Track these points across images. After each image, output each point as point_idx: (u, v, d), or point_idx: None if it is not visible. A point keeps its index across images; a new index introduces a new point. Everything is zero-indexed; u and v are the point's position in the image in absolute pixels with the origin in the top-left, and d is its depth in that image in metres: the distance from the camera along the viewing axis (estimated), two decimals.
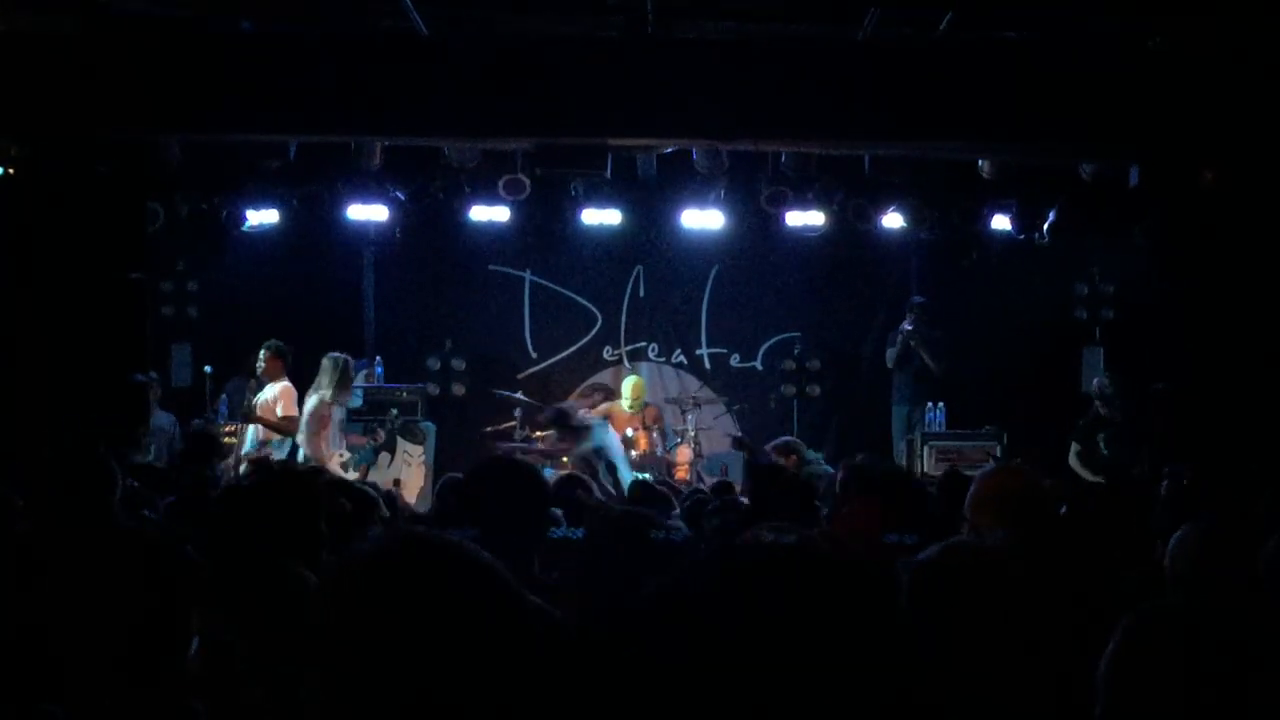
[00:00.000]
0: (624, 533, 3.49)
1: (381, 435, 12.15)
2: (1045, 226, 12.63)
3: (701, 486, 10.87)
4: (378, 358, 13.54)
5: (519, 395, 13.17)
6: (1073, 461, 11.86)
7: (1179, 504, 5.32)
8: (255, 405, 11.65)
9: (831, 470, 9.24)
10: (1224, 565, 3.47)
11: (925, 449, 12.51)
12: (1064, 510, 4.41)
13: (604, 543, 3.51)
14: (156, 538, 2.31)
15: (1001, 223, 12.86)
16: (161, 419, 12.09)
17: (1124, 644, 2.10)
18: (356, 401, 12.62)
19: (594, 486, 8.68)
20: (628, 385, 13.40)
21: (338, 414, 11.83)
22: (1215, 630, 2.08)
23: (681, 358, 14.92)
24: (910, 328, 13.47)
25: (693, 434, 13.20)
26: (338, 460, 11.40)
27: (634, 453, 12.60)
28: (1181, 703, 2.02)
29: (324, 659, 1.65)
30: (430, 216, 13.01)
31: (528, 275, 14.80)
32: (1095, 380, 12.33)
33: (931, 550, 2.97)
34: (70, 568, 2.23)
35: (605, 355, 14.77)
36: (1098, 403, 12.18)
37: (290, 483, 4.37)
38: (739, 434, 12.56)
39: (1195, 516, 3.75)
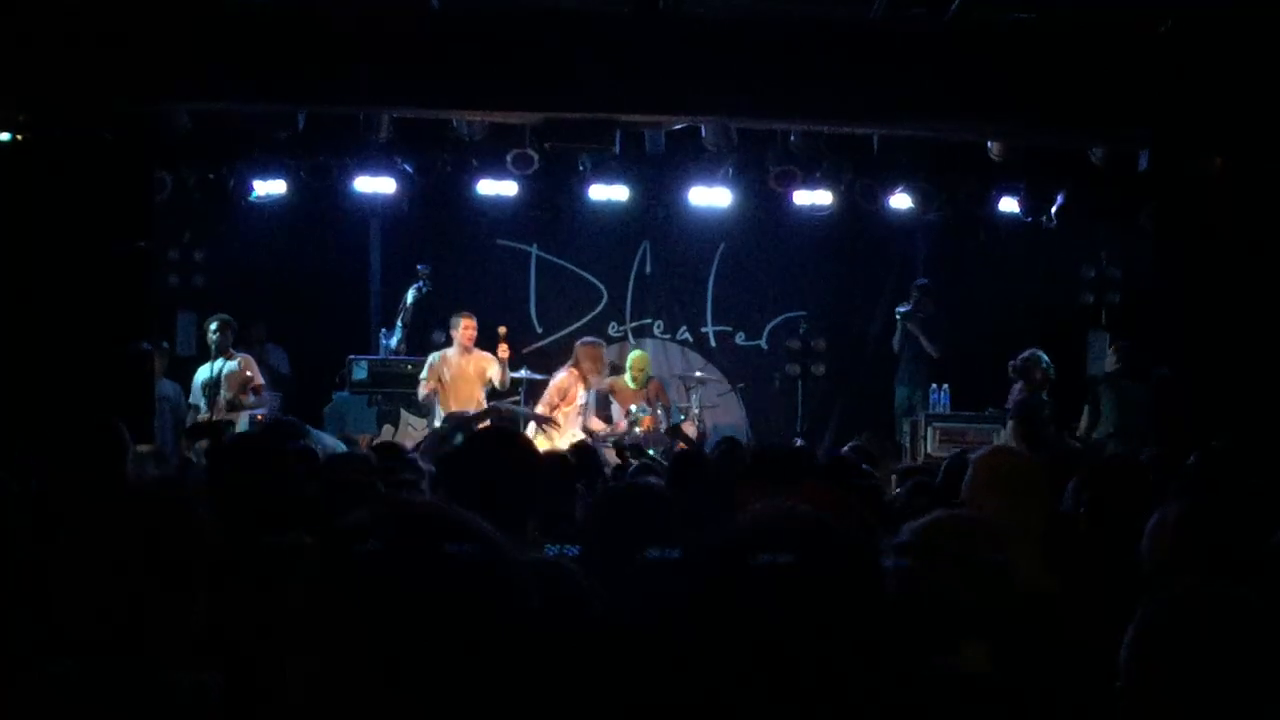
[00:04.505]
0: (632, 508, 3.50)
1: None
2: (1053, 210, 12.61)
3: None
4: (383, 330, 13.54)
5: (522, 372, 13.13)
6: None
7: (1201, 483, 5.31)
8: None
9: None
10: (1208, 547, 3.47)
11: (929, 430, 12.52)
12: (1080, 489, 4.39)
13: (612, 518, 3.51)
14: (168, 499, 2.31)
15: (1009, 205, 12.84)
16: (166, 387, 12.12)
17: (1142, 629, 2.11)
18: (361, 374, 12.64)
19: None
20: (632, 359, 13.29)
21: (581, 396, 12.21)
22: (1235, 614, 2.09)
23: (687, 335, 14.93)
24: (906, 309, 13.47)
25: (697, 411, 13.20)
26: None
27: (639, 430, 12.58)
28: (1201, 687, 2.03)
29: (315, 631, 1.65)
30: (438, 189, 13.01)
31: (534, 250, 14.80)
32: (1031, 354, 12.10)
33: (920, 521, 2.98)
34: (80, 530, 2.24)
35: (610, 331, 14.77)
36: (1034, 382, 11.98)
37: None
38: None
39: (1177, 498, 3.74)
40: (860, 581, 1.71)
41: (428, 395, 12.09)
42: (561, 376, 12.31)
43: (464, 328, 12.13)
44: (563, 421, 11.86)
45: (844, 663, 1.63)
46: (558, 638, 1.98)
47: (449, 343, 12.36)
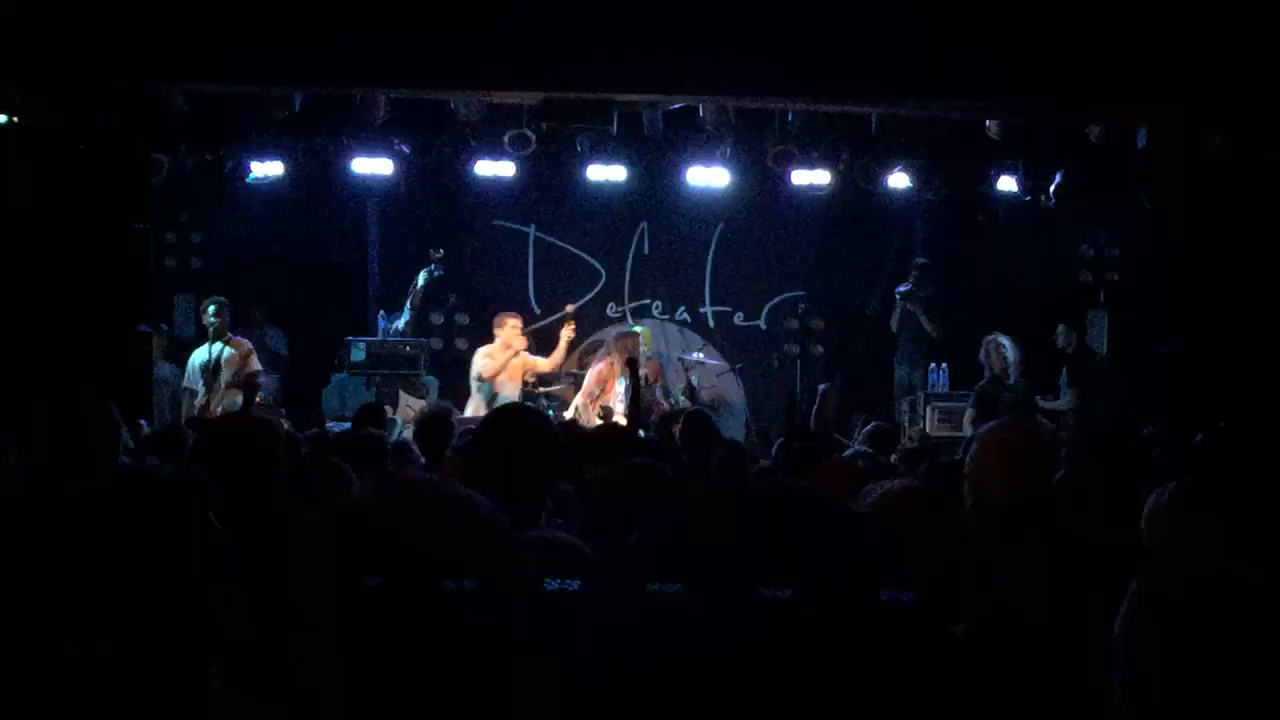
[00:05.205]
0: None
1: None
2: (1051, 188, 12.60)
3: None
4: (381, 311, 13.53)
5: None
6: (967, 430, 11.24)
7: (1200, 463, 5.31)
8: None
9: None
10: (1206, 527, 3.48)
11: (928, 409, 12.52)
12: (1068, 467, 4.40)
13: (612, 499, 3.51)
14: (171, 480, 2.30)
15: (1008, 184, 12.83)
16: (164, 370, 12.13)
17: (1136, 606, 2.10)
18: (360, 355, 12.63)
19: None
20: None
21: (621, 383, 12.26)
22: (1229, 593, 2.09)
23: (685, 315, 14.92)
24: (906, 289, 13.46)
25: (693, 391, 13.18)
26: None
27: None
28: (1197, 665, 2.03)
29: (317, 604, 1.65)
30: (435, 170, 12.99)
31: (532, 231, 14.78)
32: (993, 337, 12.10)
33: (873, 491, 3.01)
34: (74, 513, 2.23)
35: (609, 312, 14.77)
36: (993, 370, 11.96)
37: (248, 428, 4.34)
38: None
39: (1175, 478, 3.74)
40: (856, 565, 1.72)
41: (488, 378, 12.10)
42: (600, 367, 12.34)
43: (510, 327, 12.12)
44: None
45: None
46: (559, 624, 1.98)
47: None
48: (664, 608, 1.82)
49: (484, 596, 1.66)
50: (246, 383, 10.53)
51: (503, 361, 11.98)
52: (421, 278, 12.87)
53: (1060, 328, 12.62)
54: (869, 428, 8.91)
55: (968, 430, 11.14)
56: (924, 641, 2.36)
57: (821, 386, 12.45)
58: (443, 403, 10.08)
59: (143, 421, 8.13)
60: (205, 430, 4.86)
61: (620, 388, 12.31)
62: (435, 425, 7.25)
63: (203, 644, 2.20)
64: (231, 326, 11.76)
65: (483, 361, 12.05)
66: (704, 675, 1.66)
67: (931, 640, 2.61)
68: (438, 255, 12.86)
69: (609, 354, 12.44)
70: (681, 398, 12.98)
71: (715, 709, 1.65)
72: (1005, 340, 11.95)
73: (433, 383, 12.94)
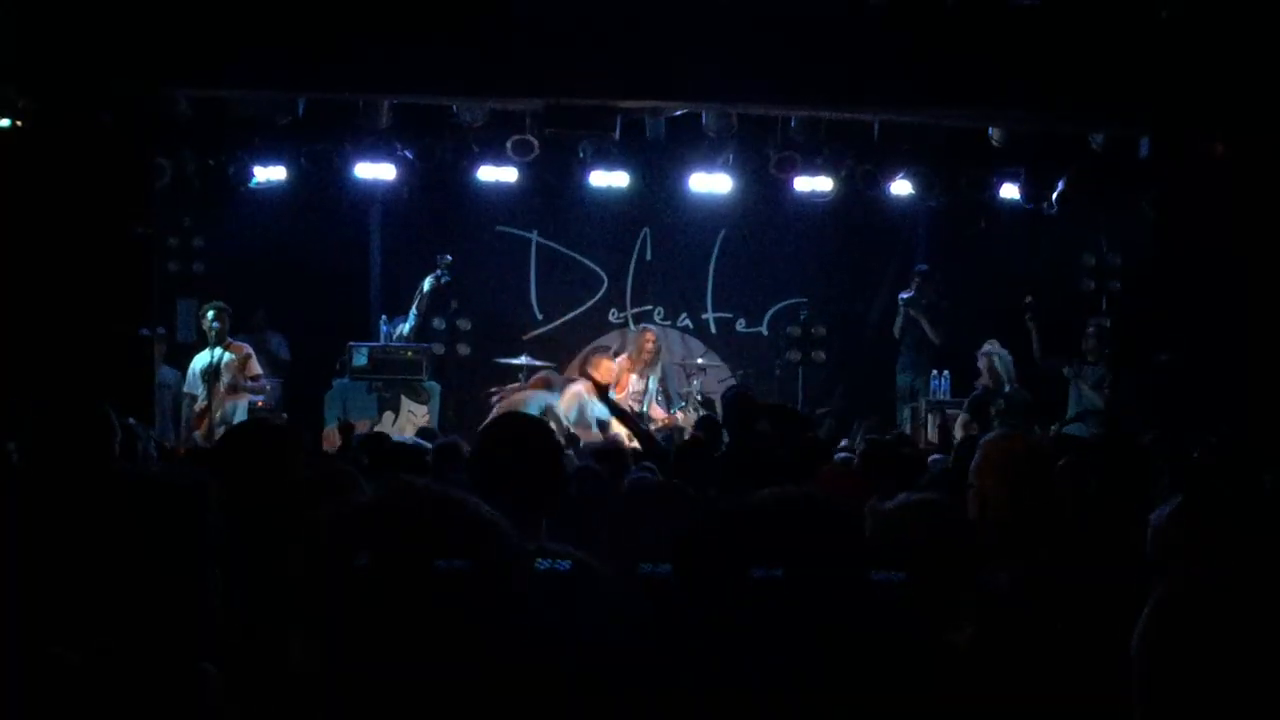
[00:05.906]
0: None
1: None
2: (1054, 196, 12.59)
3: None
4: (383, 316, 13.53)
5: (522, 359, 13.12)
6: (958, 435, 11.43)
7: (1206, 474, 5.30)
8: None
9: None
10: (1211, 539, 3.47)
11: (929, 416, 12.52)
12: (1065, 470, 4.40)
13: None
14: (170, 482, 2.30)
15: (1010, 191, 12.84)
16: (166, 374, 12.13)
17: (1158, 613, 2.11)
18: (361, 360, 12.64)
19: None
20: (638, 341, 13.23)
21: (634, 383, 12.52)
22: (1250, 599, 2.09)
23: (687, 322, 14.91)
24: (909, 296, 13.46)
25: (698, 398, 13.18)
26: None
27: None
28: (1218, 669, 2.03)
29: (317, 609, 1.65)
30: (438, 176, 12.98)
31: (535, 236, 14.78)
32: (986, 348, 12.13)
33: (899, 500, 3.03)
34: (71, 514, 2.23)
35: (611, 318, 14.76)
36: (986, 375, 11.99)
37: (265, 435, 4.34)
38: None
39: (1179, 490, 3.74)
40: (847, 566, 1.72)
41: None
42: (620, 360, 12.42)
43: (605, 369, 12.11)
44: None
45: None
46: (559, 620, 1.98)
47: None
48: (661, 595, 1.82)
49: (484, 593, 1.66)
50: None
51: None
52: (428, 283, 12.87)
53: (1090, 328, 12.59)
54: (891, 435, 8.91)
55: (959, 435, 11.20)
56: (928, 645, 2.36)
57: (820, 410, 12.56)
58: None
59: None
60: (227, 434, 4.85)
61: (634, 386, 12.32)
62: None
63: (202, 644, 2.20)
64: (233, 331, 11.77)
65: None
66: (704, 669, 1.66)
67: (936, 647, 2.61)
68: (445, 260, 12.86)
69: (625, 352, 12.52)
70: (685, 404, 12.98)
71: (715, 702, 1.65)
72: (997, 351, 11.99)
73: (434, 388, 12.94)
